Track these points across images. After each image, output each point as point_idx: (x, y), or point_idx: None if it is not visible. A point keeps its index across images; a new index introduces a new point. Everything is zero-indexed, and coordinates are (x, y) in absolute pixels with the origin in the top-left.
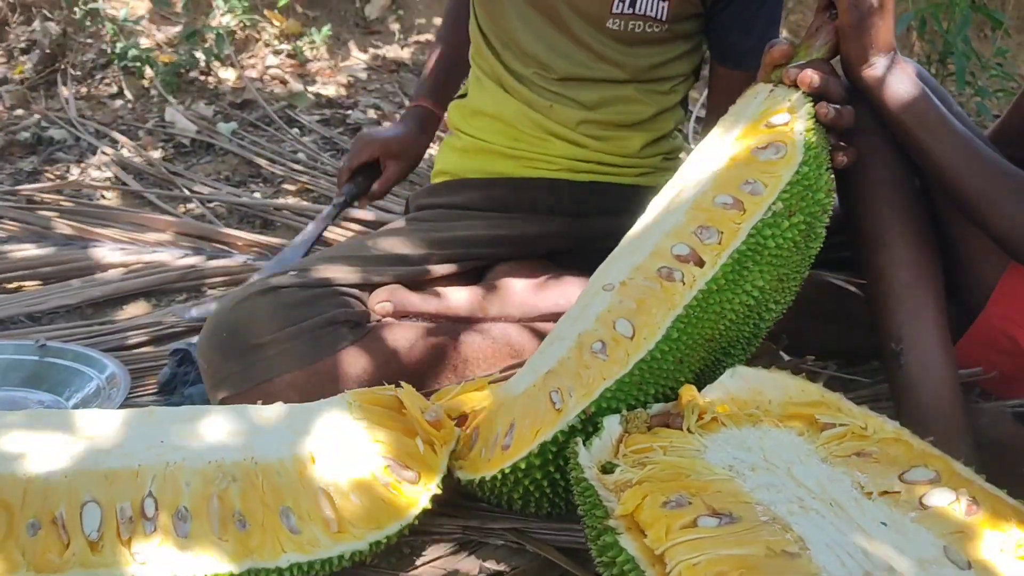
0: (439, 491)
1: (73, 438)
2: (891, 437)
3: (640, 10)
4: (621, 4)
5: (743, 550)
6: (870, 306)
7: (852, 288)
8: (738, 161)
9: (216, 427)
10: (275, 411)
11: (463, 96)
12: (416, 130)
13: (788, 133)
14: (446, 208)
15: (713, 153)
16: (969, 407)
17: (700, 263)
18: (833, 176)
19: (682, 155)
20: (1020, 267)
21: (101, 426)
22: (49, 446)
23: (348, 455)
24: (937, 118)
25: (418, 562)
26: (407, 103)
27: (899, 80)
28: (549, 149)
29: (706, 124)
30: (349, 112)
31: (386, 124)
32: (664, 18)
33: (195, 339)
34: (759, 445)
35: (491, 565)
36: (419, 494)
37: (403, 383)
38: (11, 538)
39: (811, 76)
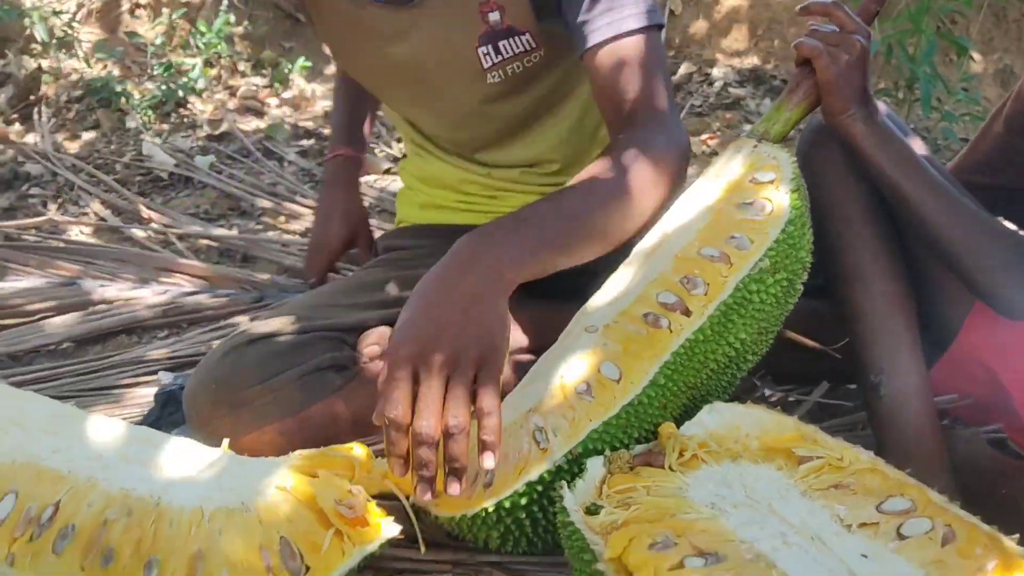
0: None
1: (36, 427)
2: (867, 468)
3: (507, 52)
4: (488, 57)
5: None
6: (849, 339)
7: (825, 348)
8: (723, 215)
9: (149, 456)
10: (214, 457)
11: (405, 156)
12: (348, 194)
13: (774, 191)
14: (414, 249)
15: (696, 205)
16: (946, 434)
17: (686, 312)
18: (812, 234)
19: None
20: None
21: (66, 423)
22: (15, 429)
23: (247, 525)
24: (915, 165)
25: None
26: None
27: (877, 128)
28: (502, 204)
29: (609, 129)
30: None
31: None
32: (534, 45)
33: (173, 377)
34: (740, 481)
35: None
36: None
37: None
38: None
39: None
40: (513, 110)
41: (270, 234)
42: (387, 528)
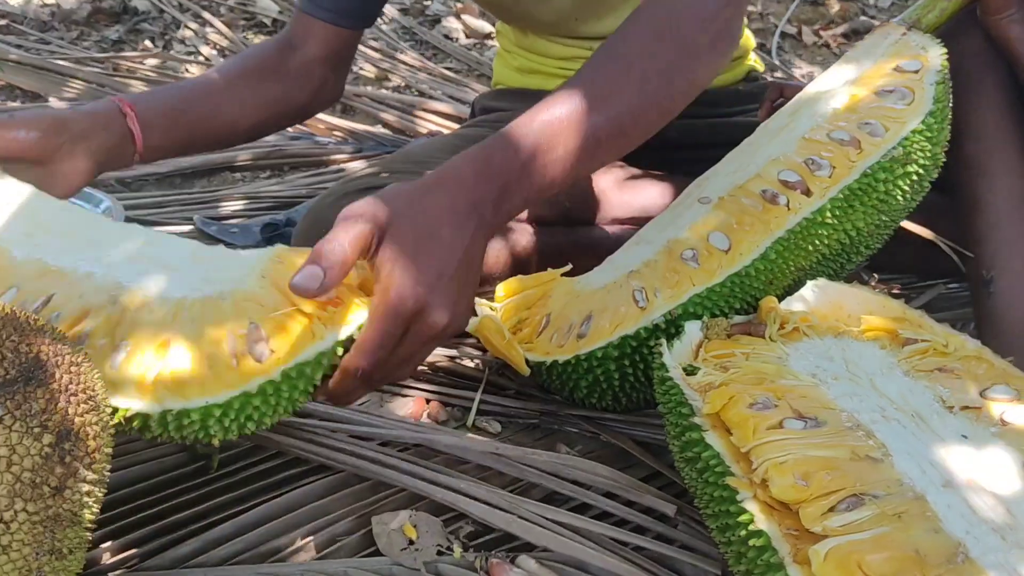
0: (275, 379)
1: (58, 231)
2: (972, 355)
3: None
4: None
5: (828, 452)
6: (962, 230)
7: (947, 243)
8: (859, 100)
9: (151, 254)
10: (208, 252)
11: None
12: (87, 122)
13: (918, 81)
14: (511, 112)
15: (831, 87)
16: None
17: (807, 192)
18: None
19: (751, 56)
20: None
21: (70, 222)
22: (42, 233)
23: (219, 312)
24: None
25: (497, 440)
26: None
27: None
28: None
29: None
30: (428, 3)
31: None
32: None
33: (282, 214)
34: (841, 356)
35: (565, 449)
36: (253, 375)
37: None
38: None
39: None
40: None
41: (368, 88)
42: (359, 312)
